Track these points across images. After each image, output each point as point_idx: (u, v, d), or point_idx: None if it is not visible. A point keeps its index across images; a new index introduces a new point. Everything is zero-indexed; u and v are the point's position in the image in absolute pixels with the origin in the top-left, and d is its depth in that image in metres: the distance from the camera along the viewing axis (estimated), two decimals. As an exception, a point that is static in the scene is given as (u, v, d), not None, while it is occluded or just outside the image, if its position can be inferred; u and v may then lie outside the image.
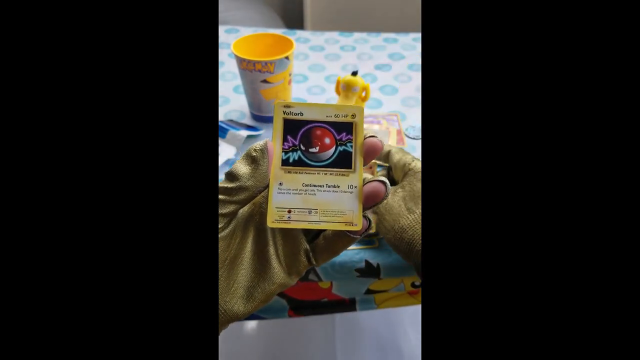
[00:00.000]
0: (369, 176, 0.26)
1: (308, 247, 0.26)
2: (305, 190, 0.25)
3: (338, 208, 0.25)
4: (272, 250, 0.26)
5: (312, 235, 0.27)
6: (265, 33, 0.73)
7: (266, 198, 0.26)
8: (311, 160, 0.26)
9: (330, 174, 0.26)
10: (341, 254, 0.53)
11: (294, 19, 1.82)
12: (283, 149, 0.26)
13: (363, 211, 0.26)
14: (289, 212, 0.25)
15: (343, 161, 0.26)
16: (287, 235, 0.26)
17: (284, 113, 0.26)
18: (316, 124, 0.26)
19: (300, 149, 0.26)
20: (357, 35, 1.02)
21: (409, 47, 0.97)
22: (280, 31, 1.01)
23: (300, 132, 0.26)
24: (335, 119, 0.26)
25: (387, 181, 0.25)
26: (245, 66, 0.66)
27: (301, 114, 0.26)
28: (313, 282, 0.57)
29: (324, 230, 0.27)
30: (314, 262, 0.27)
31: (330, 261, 0.54)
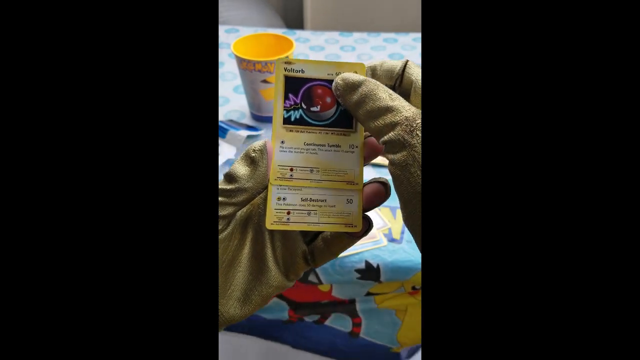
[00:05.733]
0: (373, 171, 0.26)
1: (306, 248, 0.26)
2: (307, 149, 0.25)
3: (339, 167, 0.25)
4: (269, 252, 0.25)
5: (311, 236, 0.27)
6: (265, 33, 0.73)
7: (264, 199, 0.25)
8: (312, 120, 0.25)
9: (332, 133, 0.25)
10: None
11: (294, 19, 1.82)
12: (285, 107, 0.25)
13: (363, 212, 0.25)
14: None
15: (344, 121, 0.25)
16: (286, 237, 0.25)
17: (285, 70, 0.25)
18: (317, 82, 0.25)
19: (301, 107, 0.25)
20: (357, 35, 1.02)
21: (409, 47, 0.97)
22: (280, 31, 1.01)
23: (301, 90, 0.25)
24: (336, 77, 0.25)
25: (387, 182, 0.25)
26: (245, 66, 0.66)
27: (302, 71, 0.25)
28: (313, 284, 0.57)
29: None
30: (312, 264, 0.26)
31: (329, 261, 0.54)
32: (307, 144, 0.25)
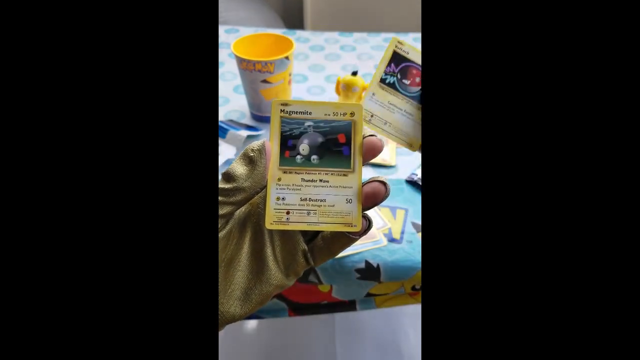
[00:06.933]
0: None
1: (306, 247, 0.26)
2: (389, 107, 0.32)
3: (403, 128, 0.32)
4: (269, 251, 0.25)
5: (310, 235, 0.27)
6: (265, 33, 0.73)
7: (263, 198, 0.25)
8: (401, 89, 0.32)
9: (410, 104, 0.32)
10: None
11: (294, 19, 1.82)
12: (385, 70, 0.32)
13: (362, 212, 0.25)
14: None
15: (420, 100, 0.31)
16: (285, 236, 0.26)
17: (396, 47, 0.31)
18: (415, 65, 0.32)
19: (397, 76, 0.32)
20: (357, 35, 1.02)
21: (409, 47, 0.96)
22: (280, 31, 1.01)
23: (401, 65, 0.32)
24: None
25: (386, 181, 0.25)
26: (245, 66, 0.66)
27: (407, 52, 0.31)
28: (313, 284, 0.57)
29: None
30: (312, 263, 0.26)
31: (329, 261, 0.54)
32: (390, 103, 0.33)
